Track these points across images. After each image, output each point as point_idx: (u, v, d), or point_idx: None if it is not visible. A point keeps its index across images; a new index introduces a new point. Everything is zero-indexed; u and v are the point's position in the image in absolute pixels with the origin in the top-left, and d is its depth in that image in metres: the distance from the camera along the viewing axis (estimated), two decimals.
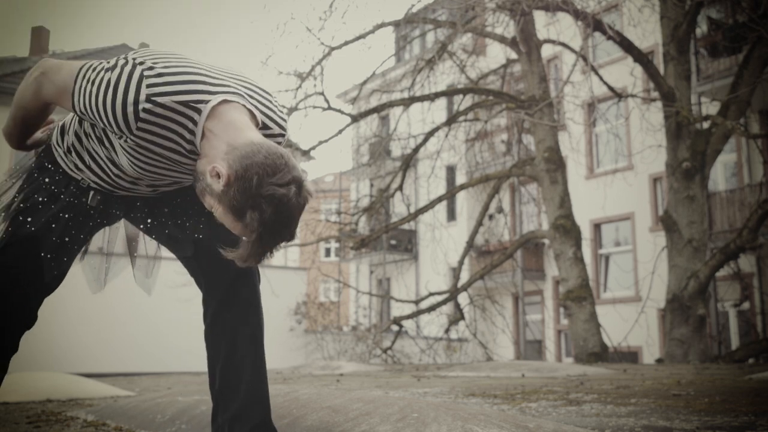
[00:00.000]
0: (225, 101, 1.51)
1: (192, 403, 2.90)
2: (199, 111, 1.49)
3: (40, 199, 1.76)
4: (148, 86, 1.45)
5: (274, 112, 1.66)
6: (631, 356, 14.35)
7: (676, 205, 10.54)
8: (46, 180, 1.79)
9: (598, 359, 10.21)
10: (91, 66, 1.53)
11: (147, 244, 2.06)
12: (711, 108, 14.33)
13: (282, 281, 15.13)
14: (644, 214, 16.83)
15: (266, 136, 1.62)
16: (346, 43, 11.55)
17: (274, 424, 2.03)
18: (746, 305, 14.12)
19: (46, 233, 1.73)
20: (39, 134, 1.86)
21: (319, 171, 55.40)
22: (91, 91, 1.49)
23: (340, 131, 11.72)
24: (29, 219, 1.73)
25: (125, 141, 1.54)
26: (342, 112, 11.82)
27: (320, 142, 11.64)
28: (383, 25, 11.57)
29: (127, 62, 1.49)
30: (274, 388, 3.00)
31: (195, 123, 1.50)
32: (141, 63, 1.48)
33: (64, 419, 3.23)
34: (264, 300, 1.92)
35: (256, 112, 1.57)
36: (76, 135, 1.74)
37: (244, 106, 1.54)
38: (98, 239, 2.04)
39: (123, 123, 1.47)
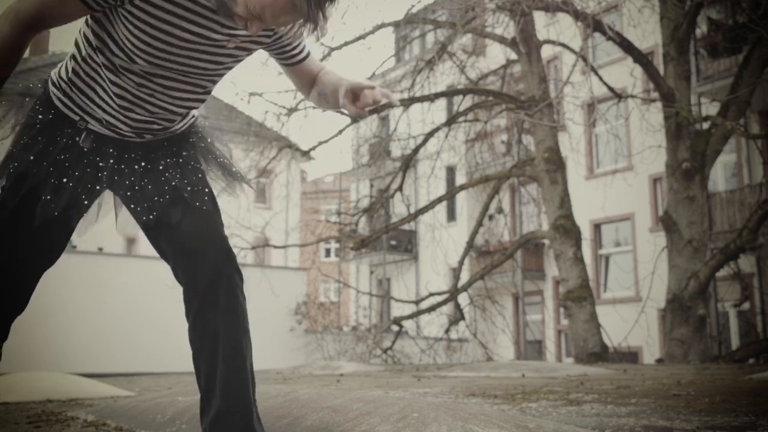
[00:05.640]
0: None
1: (192, 403, 2.90)
2: None
3: (39, 139, 1.75)
4: None
5: None
6: (631, 356, 14.35)
7: (676, 206, 10.54)
8: (40, 117, 1.78)
9: (599, 359, 10.21)
10: None
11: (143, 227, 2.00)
12: (711, 108, 14.33)
13: (282, 281, 15.13)
14: (644, 215, 16.83)
15: None
16: (346, 43, 11.55)
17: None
18: (746, 305, 14.12)
19: (45, 176, 1.71)
20: None
21: (319, 171, 55.48)
22: None
23: (340, 132, 11.74)
24: (31, 158, 1.72)
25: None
26: (342, 113, 11.81)
27: (320, 143, 11.66)
28: (383, 26, 11.57)
29: None
30: (274, 388, 3.00)
31: None
32: None
33: (64, 419, 3.23)
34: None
35: None
36: (74, 71, 1.73)
37: None
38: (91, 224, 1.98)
39: None
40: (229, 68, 1.81)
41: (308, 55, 1.87)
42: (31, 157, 1.73)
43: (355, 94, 1.75)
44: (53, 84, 1.80)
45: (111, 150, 1.81)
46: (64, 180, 1.72)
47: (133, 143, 1.84)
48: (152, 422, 2.82)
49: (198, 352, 1.81)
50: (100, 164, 1.78)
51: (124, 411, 3.21)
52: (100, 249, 14.76)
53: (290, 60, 1.85)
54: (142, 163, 1.83)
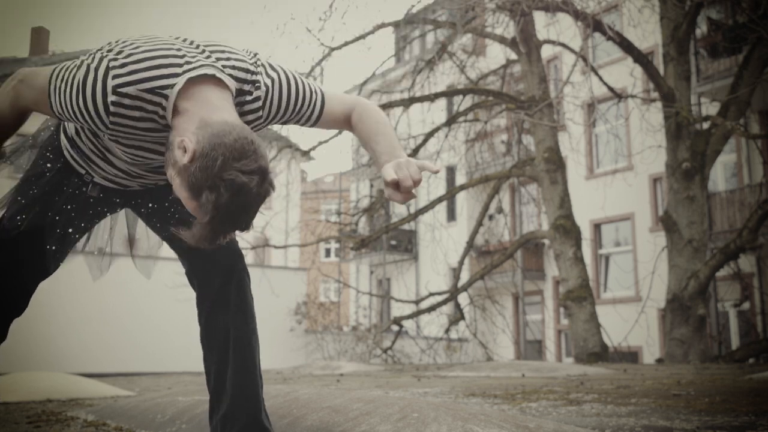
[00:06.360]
0: (197, 79, 1.49)
1: (192, 403, 2.90)
2: (165, 96, 1.48)
3: (46, 189, 1.79)
4: (114, 77, 1.45)
5: (244, 62, 1.59)
6: (631, 356, 14.35)
7: (676, 206, 10.54)
8: (48, 166, 1.82)
9: (599, 359, 10.21)
10: (64, 66, 1.54)
11: (150, 239, 2.08)
12: (711, 108, 14.32)
13: (282, 281, 15.14)
14: (644, 215, 16.82)
15: (244, 103, 1.59)
16: (346, 43, 11.55)
17: (275, 424, 2.04)
18: (746, 305, 14.12)
19: (51, 226, 1.76)
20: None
21: (319, 171, 55.52)
22: (64, 91, 1.49)
23: (340, 132, 11.70)
24: (37, 209, 1.77)
25: (105, 135, 1.56)
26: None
27: (320, 143, 11.65)
28: (383, 26, 11.57)
29: (94, 57, 1.48)
30: (274, 388, 3.00)
31: (165, 108, 1.49)
32: (107, 56, 1.48)
33: (64, 419, 3.23)
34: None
35: (229, 81, 1.54)
36: (77, 132, 1.75)
37: (215, 75, 1.51)
38: (99, 238, 2.07)
39: (97, 119, 1.48)
40: None
41: (323, 105, 1.71)
42: (37, 209, 1.77)
43: (396, 183, 1.59)
44: (64, 132, 1.83)
45: (117, 200, 1.89)
46: (70, 230, 1.80)
47: (137, 191, 1.90)
48: (152, 422, 2.82)
49: (209, 352, 1.86)
50: (107, 213, 1.90)
51: (124, 411, 3.21)
52: (101, 249, 14.74)
53: (308, 123, 1.74)
54: (149, 205, 1.92)
